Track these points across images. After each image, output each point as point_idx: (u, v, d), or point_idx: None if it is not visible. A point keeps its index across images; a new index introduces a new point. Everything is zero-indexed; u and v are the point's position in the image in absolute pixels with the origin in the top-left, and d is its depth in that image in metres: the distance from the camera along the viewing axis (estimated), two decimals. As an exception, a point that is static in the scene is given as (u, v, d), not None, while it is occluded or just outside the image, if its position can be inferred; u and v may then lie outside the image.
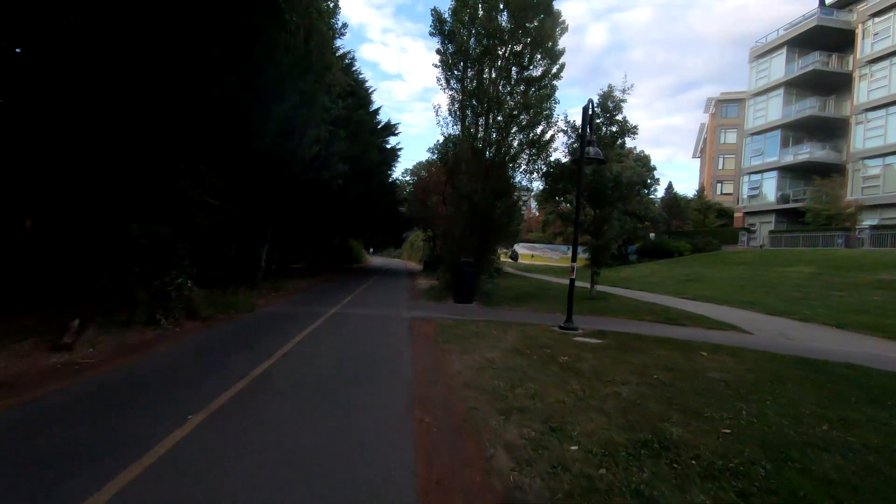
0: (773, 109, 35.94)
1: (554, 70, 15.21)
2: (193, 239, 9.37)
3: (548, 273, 32.80)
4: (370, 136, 22.78)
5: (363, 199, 22.60)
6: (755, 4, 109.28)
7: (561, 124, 15.43)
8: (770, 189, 36.06)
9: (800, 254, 25.63)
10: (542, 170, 14.98)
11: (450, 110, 15.31)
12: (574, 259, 9.88)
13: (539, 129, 14.98)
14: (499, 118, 14.60)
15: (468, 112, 15.18)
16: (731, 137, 53.45)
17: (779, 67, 35.61)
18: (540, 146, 14.60)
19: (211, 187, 9.03)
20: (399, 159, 36.58)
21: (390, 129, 31.43)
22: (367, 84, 24.20)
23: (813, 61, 32.97)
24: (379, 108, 29.13)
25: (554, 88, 15.05)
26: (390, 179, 31.26)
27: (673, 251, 36.03)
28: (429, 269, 34.18)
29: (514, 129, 14.89)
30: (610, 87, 15.07)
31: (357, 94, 19.38)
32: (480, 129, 14.98)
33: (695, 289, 19.18)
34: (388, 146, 28.33)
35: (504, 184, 15.09)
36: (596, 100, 15.47)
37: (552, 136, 14.81)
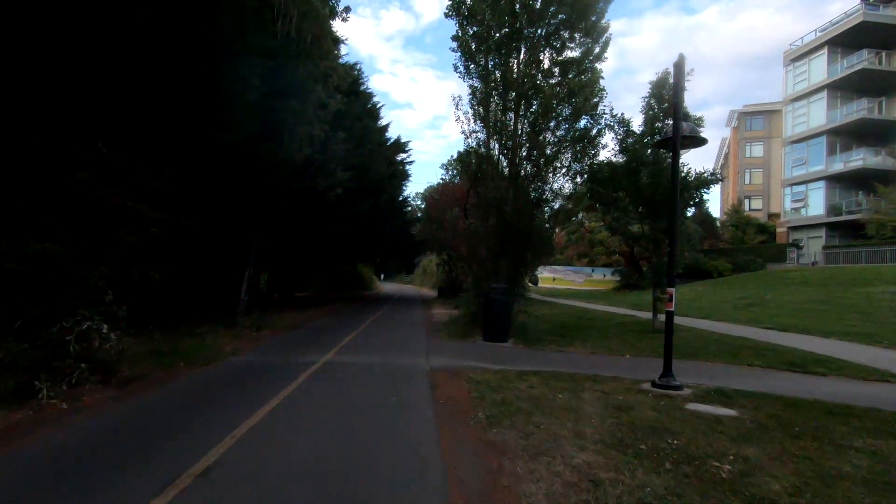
0: (816, 114, 32.96)
1: (596, 50, 12.47)
2: (122, 263, 6.52)
3: (575, 298, 29.59)
4: (378, 147, 20.17)
5: (370, 217, 19.84)
6: (763, 26, 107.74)
7: (607, 119, 12.57)
8: (818, 201, 32.77)
9: (874, 271, 22.22)
10: (586, 171, 12.05)
11: (471, 103, 12.58)
12: (670, 282, 6.85)
13: (582, 123, 12.14)
14: (532, 108, 11.79)
15: (494, 104, 12.42)
16: (756, 150, 50.62)
17: (820, 69, 32.80)
18: (587, 141, 11.71)
19: (140, 189, 6.22)
20: (410, 178, 34.06)
21: (400, 146, 28.93)
22: (376, 99, 21.84)
23: (860, 60, 30.12)
24: (388, 125, 26.78)
25: (598, 73, 12.27)
26: (401, 197, 28.55)
27: (711, 271, 32.80)
28: (444, 296, 31.18)
29: (552, 124, 12.06)
30: (667, 71, 12.29)
31: (360, 95, 16.81)
32: (509, 124, 12.18)
33: (763, 315, 15.96)
34: (398, 159, 25.75)
35: (540, 189, 12.19)
36: (647, 89, 12.73)
37: (599, 131, 11.94)
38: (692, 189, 11.61)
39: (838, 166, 31.14)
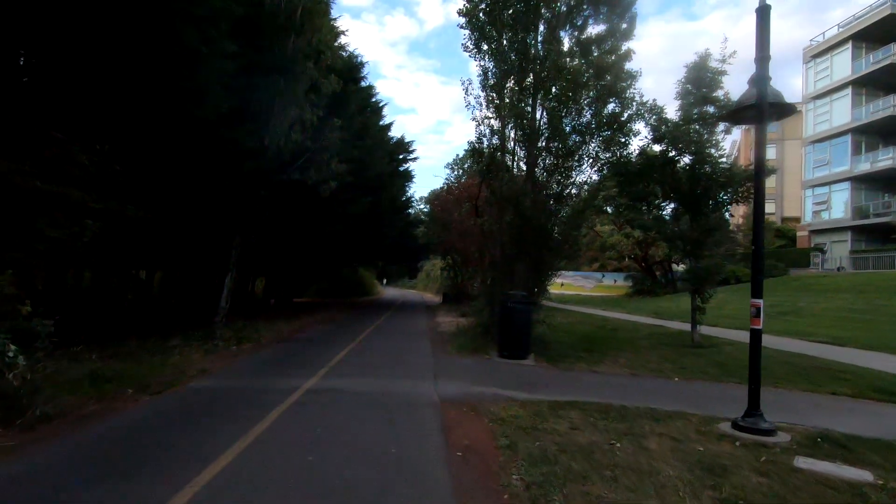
0: (840, 112, 31.40)
1: (623, 27, 11.02)
2: (51, 264, 5.05)
3: (588, 304, 27.97)
4: (379, 142, 18.71)
5: (370, 218, 18.34)
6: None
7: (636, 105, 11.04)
8: (841, 203, 31.15)
9: (914, 277, 20.58)
10: (615, 161, 10.50)
11: (483, 86, 11.09)
12: (757, 291, 5.30)
13: (610, 108, 10.63)
14: (553, 91, 10.29)
15: (509, 88, 10.94)
16: (769, 153, 48.90)
17: (843, 65, 31.28)
18: (616, 127, 10.17)
19: (65, 168, 4.74)
20: (413, 179, 32.52)
21: (404, 146, 27.46)
22: (379, 96, 20.44)
23: (887, 55, 28.55)
24: (392, 124, 25.37)
25: (627, 52, 10.78)
26: (404, 197, 27.03)
27: (728, 277, 31.15)
28: (449, 302, 29.61)
29: (575, 109, 10.56)
30: (706, 52, 10.82)
31: (360, 87, 15.37)
32: (527, 109, 10.67)
33: (801, 325, 14.42)
34: (401, 157, 24.26)
35: (561, 183, 10.69)
36: (681, 73, 11.24)
37: (631, 116, 10.41)
38: (743, 181, 10.08)
39: (864, 166, 29.54)
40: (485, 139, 10.90)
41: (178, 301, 15.94)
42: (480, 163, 11.07)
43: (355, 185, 14.99)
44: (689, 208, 10.77)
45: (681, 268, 35.73)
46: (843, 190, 31.13)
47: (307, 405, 5.48)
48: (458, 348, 10.16)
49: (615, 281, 39.90)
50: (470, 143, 11.20)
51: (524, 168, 11.19)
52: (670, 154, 10.71)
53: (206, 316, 11.14)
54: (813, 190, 33.15)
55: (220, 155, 8.21)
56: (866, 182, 29.92)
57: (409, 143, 28.50)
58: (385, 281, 72.61)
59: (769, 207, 45.79)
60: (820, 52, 33.01)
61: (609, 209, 21.55)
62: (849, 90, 30.75)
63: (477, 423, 5.05)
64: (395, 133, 26.22)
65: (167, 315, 13.89)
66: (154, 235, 9.77)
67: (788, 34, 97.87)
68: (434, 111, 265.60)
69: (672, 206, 11.98)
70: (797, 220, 37.46)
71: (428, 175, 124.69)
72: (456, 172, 26.18)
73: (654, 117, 11.11)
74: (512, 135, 11.26)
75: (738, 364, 8.54)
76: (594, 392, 6.55)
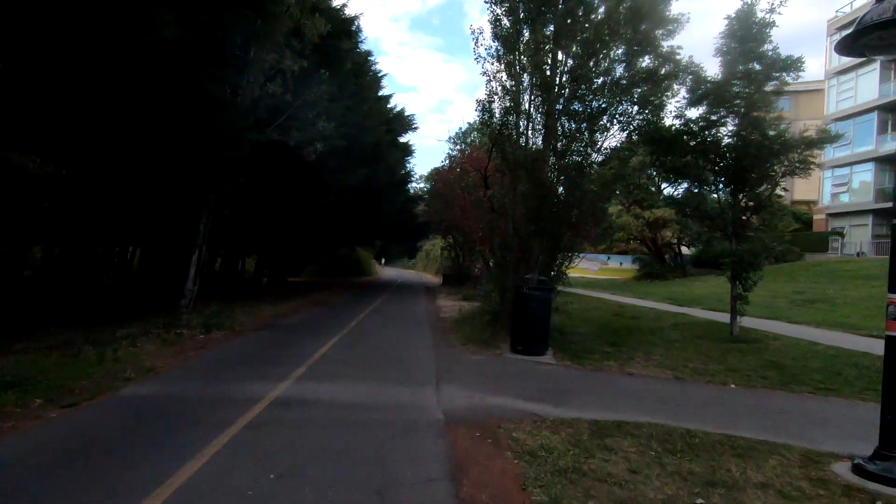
0: (866, 88, 29.62)
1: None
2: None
3: (596, 288, 26.57)
4: (376, 110, 17.04)
5: (366, 192, 16.77)
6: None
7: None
8: (864, 185, 29.61)
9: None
10: (651, 123, 8.96)
11: (496, 35, 9.45)
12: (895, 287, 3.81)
13: (645, 62, 9.04)
14: (579, 38, 8.69)
15: (525, 37, 9.33)
16: (782, 133, 47.08)
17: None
18: (654, 84, 8.58)
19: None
20: (414, 153, 30.69)
21: (405, 121, 25.65)
22: (378, 66, 18.63)
23: (923, 26, 26.60)
24: (391, 96, 23.56)
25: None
26: (403, 171, 25.35)
27: (720, 262, 29.79)
28: (449, 283, 28.26)
29: (605, 62, 8.98)
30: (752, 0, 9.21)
31: (355, 43, 13.66)
32: (546, 60, 9.07)
33: (837, 315, 13.08)
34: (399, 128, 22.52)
35: (583, 151, 9.17)
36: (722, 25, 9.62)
37: (670, 73, 8.82)
38: (801, 148, 8.57)
39: (891, 146, 27.88)
40: (496, 97, 9.33)
41: (156, 281, 14.52)
42: (490, 125, 9.51)
43: (349, 153, 13.43)
44: (731, 181, 9.27)
45: (690, 251, 34.43)
46: (865, 171, 29.58)
47: (266, 429, 4.07)
48: (463, 340, 8.76)
49: (621, 264, 38.57)
50: (479, 101, 9.58)
51: (541, 132, 9.65)
52: (712, 117, 9.17)
53: (176, 299, 9.73)
54: (833, 171, 31.55)
55: (177, 102, 6.67)
56: (892, 163, 28.30)
57: (409, 116, 26.74)
58: (384, 261, 71.36)
59: (778, 190, 44.22)
60: (846, 24, 30.97)
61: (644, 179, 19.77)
62: (877, 64, 28.83)
63: (497, 458, 3.66)
64: (395, 110, 24.52)
65: (138, 297, 12.50)
66: (107, 204, 8.30)
67: (806, 13, 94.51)
68: (436, 90, 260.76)
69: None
70: (808, 203, 35.83)
71: (429, 154, 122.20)
72: (459, 146, 24.46)
73: (689, 76, 9.57)
74: (527, 97, 9.68)
75: (799, 365, 7.19)
76: (638, 404, 5.18)
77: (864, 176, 29.64)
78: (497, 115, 9.39)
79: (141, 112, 6.53)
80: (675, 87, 9.07)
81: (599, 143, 9.24)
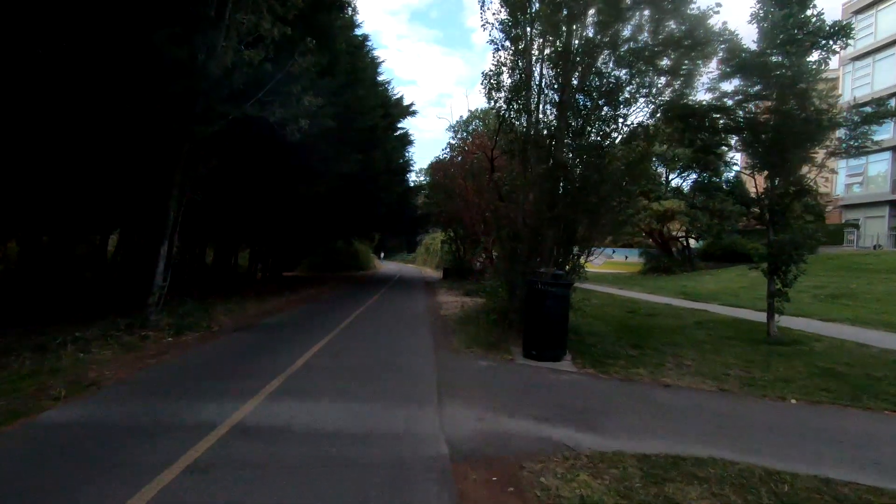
0: (884, 73, 28.52)
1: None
2: None
3: (602, 282, 25.52)
4: (372, 93, 15.93)
5: (362, 180, 15.69)
6: None
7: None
8: (880, 175, 28.55)
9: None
10: (683, 96, 7.90)
11: (503, 3, 8.36)
12: None
13: (672, 24, 7.96)
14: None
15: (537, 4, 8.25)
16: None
17: (890, 21, 28.19)
18: (687, 47, 7.52)
19: None
20: (413, 143, 29.43)
21: (403, 108, 24.48)
22: (377, 54, 17.45)
23: (945, 8, 25.50)
24: (390, 82, 22.36)
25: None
26: (402, 159, 24.22)
27: (751, 254, 28.75)
28: (450, 278, 27.26)
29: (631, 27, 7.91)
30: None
31: (344, 8, 12.55)
32: (560, 27, 7.99)
33: (874, 312, 12.01)
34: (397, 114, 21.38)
35: (601, 129, 8.12)
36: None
37: (707, 35, 7.74)
38: (854, 124, 7.53)
39: (910, 135, 26.81)
40: (504, 68, 8.25)
41: (133, 276, 13.48)
42: (496, 100, 8.44)
43: (342, 138, 12.38)
44: (768, 163, 8.23)
45: (698, 244, 33.37)
46: (882, 160, 28.47)
47: (213, 473, 3.06)
48: (467, 342, 7.75)
49: (626, 257, 37.61)
50: (484, 73, 8.49)
51: (554, 111, 8.58)
52: (751, 91, 8.12)
53: (146, 295, 8.71)
54: (847, 161, 30.41)
55: (128, 65, 5.62)
56: (910, 152, 27.25)
57: (408, 105, 25.60)
58: (383, 255, 70.28)
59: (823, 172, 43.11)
60: (863, 7, 29.85)
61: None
62: (894, 49, 27.77)
63: (523, 522, 2.66)
64: (394, 98, 23.43)
65: (115, 293, 11.49)
66: (66, 189, 7.27)
67: None
68: (435, 83, 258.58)
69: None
70: (818, 194, 34.75)
71: (428, 148, 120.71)
72: (460, 134, 23.39)
73: (722, 46, 8.49)
74: (538, 70, 8.60)
75: (859, 373, 6.18)
76: (688, 428, 4.18)
77: (880, 166, 28.56)
78: (505, 87, 8.31)
79: (84, 77, 5.47)
80: (708, 55, 7.97)
81: (621, 121, 8.18)
